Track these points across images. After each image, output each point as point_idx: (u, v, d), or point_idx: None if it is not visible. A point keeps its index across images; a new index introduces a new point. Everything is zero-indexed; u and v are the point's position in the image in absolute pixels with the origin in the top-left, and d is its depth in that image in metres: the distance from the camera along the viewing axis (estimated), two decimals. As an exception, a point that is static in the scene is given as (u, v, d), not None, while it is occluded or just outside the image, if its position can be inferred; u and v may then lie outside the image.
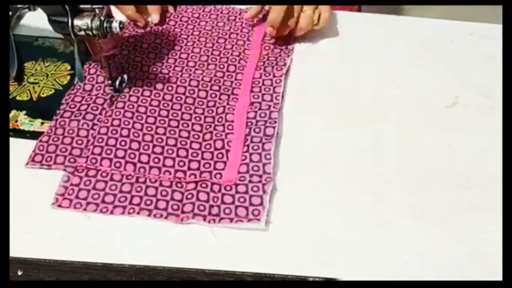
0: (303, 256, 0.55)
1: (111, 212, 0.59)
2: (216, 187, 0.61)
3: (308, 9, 0.77)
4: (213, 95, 0.72)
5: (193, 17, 0.85)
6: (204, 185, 0.61)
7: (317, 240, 0.57)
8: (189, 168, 0.63)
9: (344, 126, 0.69)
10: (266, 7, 0.81)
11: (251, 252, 0.56)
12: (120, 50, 0.77)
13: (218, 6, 0.87)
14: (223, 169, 0.62)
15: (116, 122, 0.66)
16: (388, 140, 0.67)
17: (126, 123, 0.66)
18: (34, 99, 0.72)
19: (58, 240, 0.57)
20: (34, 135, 0.67)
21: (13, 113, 0.70)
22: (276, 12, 0.75)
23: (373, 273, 0.54)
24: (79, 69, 0.64)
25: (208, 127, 0.68)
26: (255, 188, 0.60)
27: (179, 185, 0.61)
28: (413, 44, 0.82)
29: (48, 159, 0.64)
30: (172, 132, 0.67)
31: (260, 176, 0.61)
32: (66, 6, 0.61)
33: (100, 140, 0.64)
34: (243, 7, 0.87)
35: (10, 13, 0.81)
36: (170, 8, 0.84)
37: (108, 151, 0.63)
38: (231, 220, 0.58)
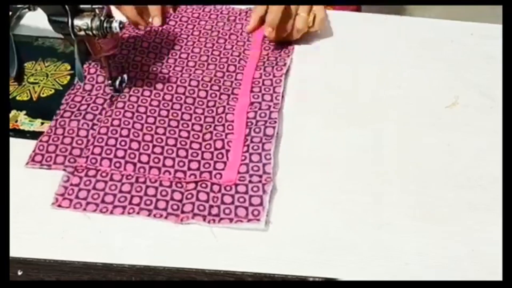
0: (303, 256, 0.55)
1: (111, 212, 0.59)
2: (216, 187, 0.61)
3: (302, 11, 0.77)
4: (213, 95, 0.72)
5: (193, 17, 0.85)
6: (204, 185, 0.61)
7: (317, 240, 0.57)
8: (189, 168, 0.63)
9: (344, 126, 0.69)
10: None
11: (251, 252, 0.56)
12: (120, 50, 0.77)
13: (218, 6, 0.87)
14: (223, 169, 0.62)
15: (116, 122, 0.66)
16: (388, 140, 0.67)
17: (126, 123, 0.66)
18: (34, 99, 0.72)
19: (58, 240, 0.57)
20: (34, 135, 0.67)
21: (13, 113, 0.70)
22: (274, 13, 0.75)
23: (373, 273, 0.54)
24: (79, 69, 0.64)
25: (208, 127, 0.68)
26: (255, 188, 0.60)
27: (179, 185, 0.61)
28: (413, 44, 0.82)
29: (48, 159, 0.64)
30: (172, 132, 0.67)
31: (260, 176, 0.61)
32: (66, 6, 0.61)
33: (100, 140, 0.64)
34: (243, 7, 0.87)
35: (10, 13, 0.81)
36: (170, 11, 0.84)
37: (108, 151, 0.63)
38: (231, 220, 0.58)
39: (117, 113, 0.67)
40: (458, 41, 0.82)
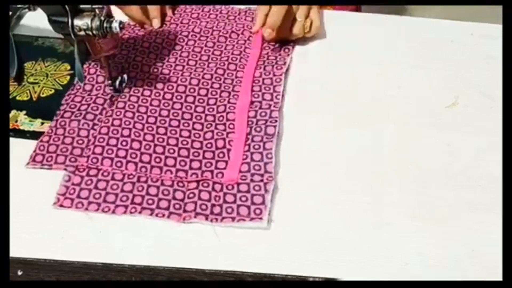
0: (303, 256, 0.55)
1: (113, 212, 0.59)
2: (217, 186, 0.61)
3: (300, 17, 0.78)
4: (214, 93, 0.72)
5: (192, 17, 0.85)
6: (205, 184, 0.61)
7: (317, 240, 0.57)
8: (190, 168, 0.63)
9: (344, 126, 0.69)
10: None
11: (251, 252, 0.56)
12: (120, 50, 0.77)
13: (217, 6, 0.87)
14: (224, 168, 0.62)
15: (117, 122, 0.66)
16: (388, 140, 0.67)
17: (127, 123, 0.66)
18: (34, 99, 0.72)
19: (58, 240, 0.57)
20: (34, 135, 0.67)
21: (13, 113, 0.70)
22: (275, 15, 0.76)
23: (373, 273, 0.54)
24: (79, 69, 0.64)
25: (209, 125, 0.68)
26: (256, 187, 0.60)
27: (180, 184, 0.61)
28: (413, 44, 0.82)
29: (49, 159, 0.64)
30: (173, 131, 0.67)
31: (262, 175, 0.61)
32: (66, 6, 0.61)
33: (101, 139, 0.64)
34: (242, 7, 0.87)
35: (10, 13, 0.81)
36: (169, 11, 0.84)
37: (109, 151, 0.63)
38: (233, 219, 0.58)
39: (118, 113, 0.67)
40: (458, 41, 0.82)
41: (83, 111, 0.69)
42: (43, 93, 0.73)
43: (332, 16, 0.86)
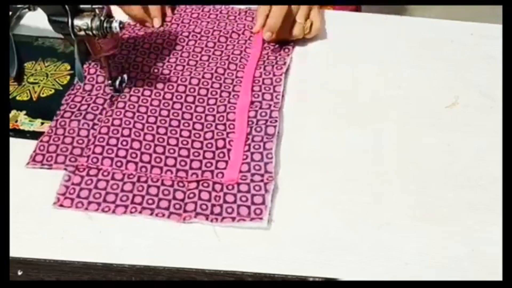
0: (303, 256, 0.55)
1: (113, 212, 0.59)
2: (218, 186, 0.61)
3: (299, 18, 0.78)
4: (214, 93, 0.72)
5: (193, 17, 0.85)
6: (206, 184, 0.61)
7: (317, 240, 0.57)
8: (190, 167, 0.63)
9: (344, 126, 0.69)
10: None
11: (251, 252, 0.56)
12: (120, 50, 0.77)
13: (217, 6, 0.87)
14: (224, 168, 0.62)
15: (117, 122, 0.66)
16: (388, 140, 0.67)
17: (127, 122, 0.66)
18: (34, 99, 0.72)
19: (58, 240, 0.57)
20: (34, 135, 0.67)
21: (13, 113, 0.70)
22: (275, 18, 0.76)
23: (373, 273, 0.54)
24: (79, 69, 0.64)
25: (209, 125, 0.68)
26: (257, 187, 0.60)
27: (180, 184, 0.61)
28: (413, 44, 0.82)
29: (49, 158, 0.64)
30: (173, 131, 0.67)
31: (262, 175, 0.61)
32: (66, 6, 0.61)
33: (101, 139, 0.64)
34: (243, 7, 0.87)
35: (10, 13, 0.81)
36: (168, 11, 0.84)
37: (109, 151, 0.63)
38: (233, 219, 0.58)
39: (118, 113, 0.67)
40: (458, 41, 0.82)
41: (83, 111, 0.69)
42: (43, 93, 0.73)
43: (332, 16, 0.86)
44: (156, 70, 0.75)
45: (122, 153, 0.63)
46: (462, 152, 0.66)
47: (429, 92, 0.74)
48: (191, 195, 0.60)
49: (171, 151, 0.65)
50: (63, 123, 0.67)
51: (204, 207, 0.59)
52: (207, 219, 0.58)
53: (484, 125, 0.69)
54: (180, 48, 0.79)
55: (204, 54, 0.78)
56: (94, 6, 0.62)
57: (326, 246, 0.56)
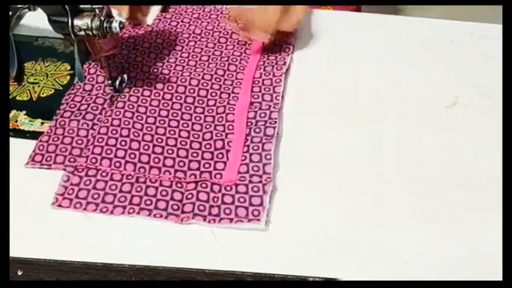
0: (303, 256, 0.55)
1: (111, 212, 0.59)
2: (216, 187, 0.61)
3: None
4: (213, 94, 0.72)
5: (193, 17, 0.85)
6: (204, 185, 0.61)
7: (317, 240, 0.57)
8: (189, 168, 0.63)
9: (344, 126, 0.69)
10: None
11: (251, 252, 0.56)
12: (120, 50, 0.77)
13: (218, 6, 0.87)
14: (223, 169, 0.62)
15: (116, 122, 0.66)
16: (388, 140, 0.67)
17: (126, 123, 0.66)
18: (34, 99, 0.72)
19: (58, 240, 0.57)
20: (34, 135, 0.67)
21: (13, 113, 0.70)
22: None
23: (373, 273, 0.54)
24: (79, 69, 0.65)
25: (208, 126, 0.68)
26: (255, 188, 0.60)
27: (179, 185, 0.61)
28: (413, 44, 0.82)
29: (48, 158, 0.64)
30: (172, 132, 0.67)
31: (260, 176, 0.61)
32: (66, 6, 0.61)
33: (100, 140, 0.64)
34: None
35: (10, 13, 0.81)
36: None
37: (108, 151, 0.63)
38: (231, 220, 0.58)
39: (117, 113, 0.67)
40: (458, 41, 0.82)
41: (83, 111, 0.69)
42: (43, 93, 0.73)
43: (332, 16, 0.86)
44: (155, 70, 0.75)
45: (121, 153, 0.63)
46: (462, 152, 0.66)
47: (429, 92, 0.74)
48: (189, 196, 0.60)
49: (170, 151, 0.65)
50: (62, 123, 0.67)
51: (202, 208, 0.59)
52: (205, 220, 0.58)
53: (484, 125, 0.69)
54: (180, 48, 0.79)
55: (204, 55, 0.78)
56: (94, 6, 0.62)
57: (326, 246, 0.56)
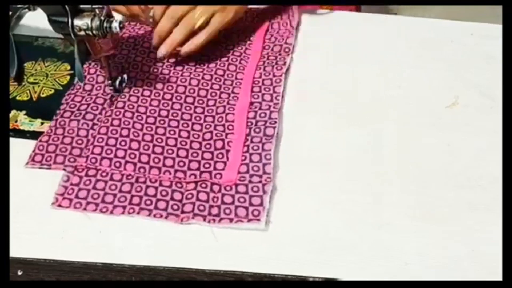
0: (303, 256, 0.55)
1: (111, 212, 0.59)
2: (216, 187, 0.61)
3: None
4: (213, 94, 0.72)
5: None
6: (204, 185, 0.61)
7: (317, 240, 0.57)
8: (189, 168, 0.63)
9: (344, 126, 0.69)
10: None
11: (251, 252, 0.56)
12: (120, 50, 0.77)
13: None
14: (223, 169, 0.62)
15: (116, 122, 0.66)
16: (388, 140, 0.67)
17: (126, 123, 0.66)
18: (34, 99, 0.72)
19: (58, 240, 0.57)
20: (34, 135, 0.67)
21: (13, 113, 0.70)
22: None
23: (373, 273, 0.54)
24: (79, 69, 0.64)
25: (208, 126, 0.68)
26: (255, 188, 0.60)
27: (179, 185, 0.61)
28: (413, 44, 0.82)
29: (48, 158, 0.64)
30: (172, 132, 0.67)
31: (260, 176, 0.61)
32: (66, 6, 0.61)
33: (100, 140, 0.64)
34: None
35: (10, 13, 0.81)
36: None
37: (108, 151, 0.63)
38: (231, 220, 0.58)
39: (117, 113, 0.67)
40: (458, 41, 0.82)
41: (83, 111, 0.69)
42: (43, 93, 0.73)
43: (332, 16, 0.86)
44: (155, 70, 0.75)
45: (120, 153, 0.63)
46: (462, 152, 0.66)
47: (429, 92, 0.74)
48: (189, 196, 0.60)
49: (170, 151, 0.65)
50: (62, 123, 0.67)
51: (202, 208, 0.59)
52: (204, 220, 0.58)
53: (484, 125, 0.69)
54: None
55: (204, 54, 0.78)
56: (94, 6, 0.62)
57: (326, 246, 0.56)
